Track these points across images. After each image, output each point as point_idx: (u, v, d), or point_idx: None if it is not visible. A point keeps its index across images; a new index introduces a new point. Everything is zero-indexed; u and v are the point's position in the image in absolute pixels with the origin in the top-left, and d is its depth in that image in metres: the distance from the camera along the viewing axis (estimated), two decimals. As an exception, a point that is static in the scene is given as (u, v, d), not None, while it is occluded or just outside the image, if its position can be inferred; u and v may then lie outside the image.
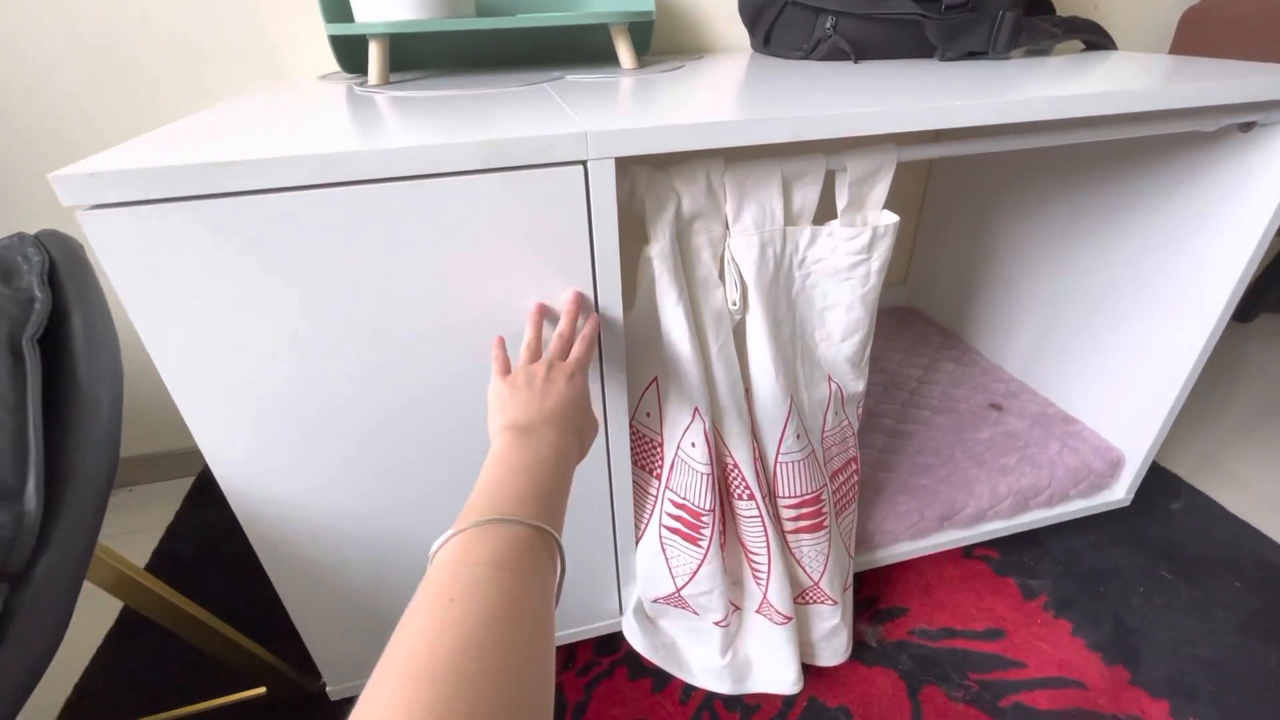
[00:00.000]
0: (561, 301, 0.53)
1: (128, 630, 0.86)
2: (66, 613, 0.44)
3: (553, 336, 0.51)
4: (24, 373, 0.47)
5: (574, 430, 0.44)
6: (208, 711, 0.75)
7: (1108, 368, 0.94)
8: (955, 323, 1.26)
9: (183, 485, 1.12)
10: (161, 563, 0.97)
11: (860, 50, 0.80)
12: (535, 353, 0.50)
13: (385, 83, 0.73)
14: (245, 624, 0.76)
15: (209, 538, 1.01)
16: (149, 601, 0.66)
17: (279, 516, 0.59)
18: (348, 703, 0.76)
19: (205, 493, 1.10)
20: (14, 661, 0.41)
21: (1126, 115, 0.61)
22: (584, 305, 0.54)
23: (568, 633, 0.77)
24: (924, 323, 1.29)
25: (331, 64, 0.89)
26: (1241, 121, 0.68)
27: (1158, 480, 1.07)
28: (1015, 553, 0.95)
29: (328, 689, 0.73)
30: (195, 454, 1.15)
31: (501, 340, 0.53)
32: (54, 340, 0.51)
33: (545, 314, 0.53)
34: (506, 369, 0.50)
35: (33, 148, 0.86)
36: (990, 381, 1.09)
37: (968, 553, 0.95)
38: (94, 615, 0.88)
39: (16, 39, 0.80)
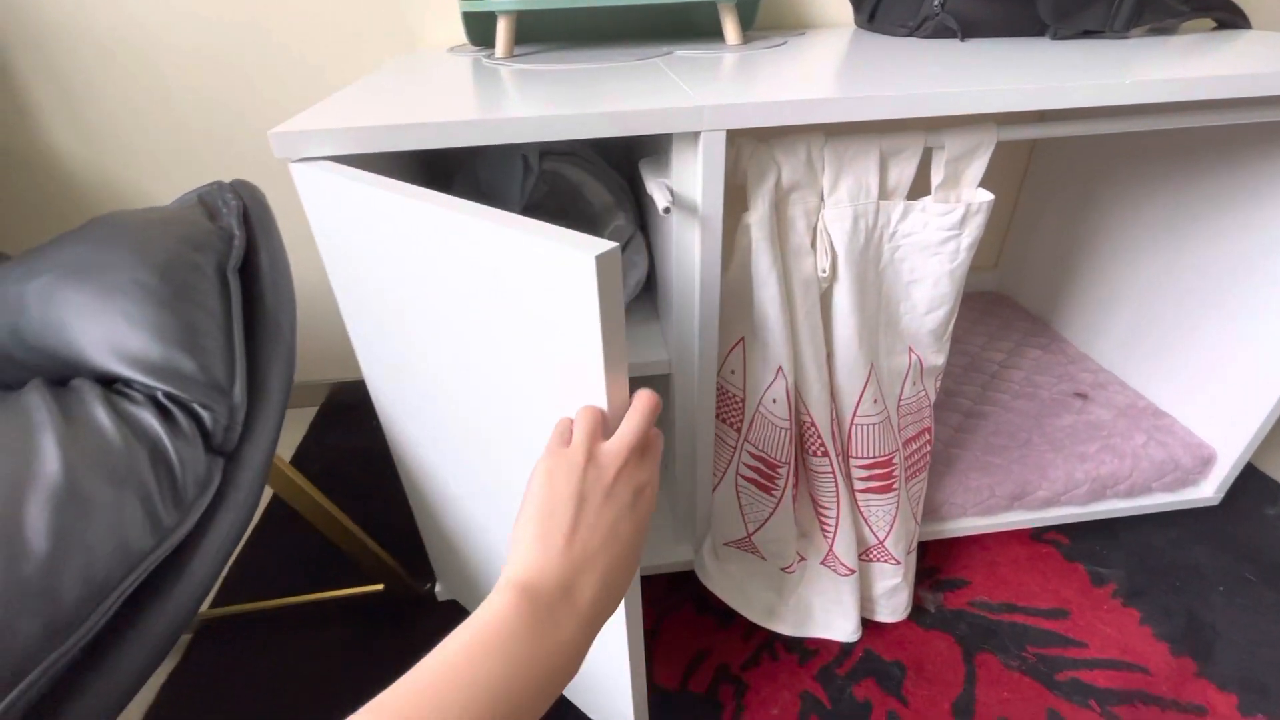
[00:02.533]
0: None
1: (274, 521, 1.02)
2: (261, 486, 0.55)
3: (623, 426, 0.37)
4: (229, 296, 0.58)
5: (603, 603, 0.32)
6: (335, 599, 0.87)
7: (1205, 363, 0.91)
8: (1045, 310, 1.23)
9: (309, 413, 1.27)
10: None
11: (968, 28, 0.81)
12: (596, 431, 0.37)
13: (510, 56, 0.80)
14: (366, 531, 0.88)
15: (333, 459, 1.15)
16: (296, 494, 0.78)
17: (418, 437, 0.68)
18: (452, 604, 0.87)
19: (329, 420, 1.25)
20: (226, 521, 0.52)
21: (1249, 100, 0.60)
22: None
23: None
24: (1011, 308, 1.27)
25: (456, 38, 0.97)
26: (1381, 108, 0.64)
27: (1254, 483, 1.03)
28: (1087, 540, 0.95)
29: (436, 590, 0.85)
30: (320, 385, 1.30)
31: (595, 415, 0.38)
32: (247, 271, 0.62)
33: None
34: (568, 439, 0.37)
35: (221, 114, 1.00)
36: (1077, 371, 1.08)
37: (1037, 535, 0.95)
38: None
39: (211, 37, 0.93)
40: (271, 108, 1.00)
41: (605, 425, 0.38)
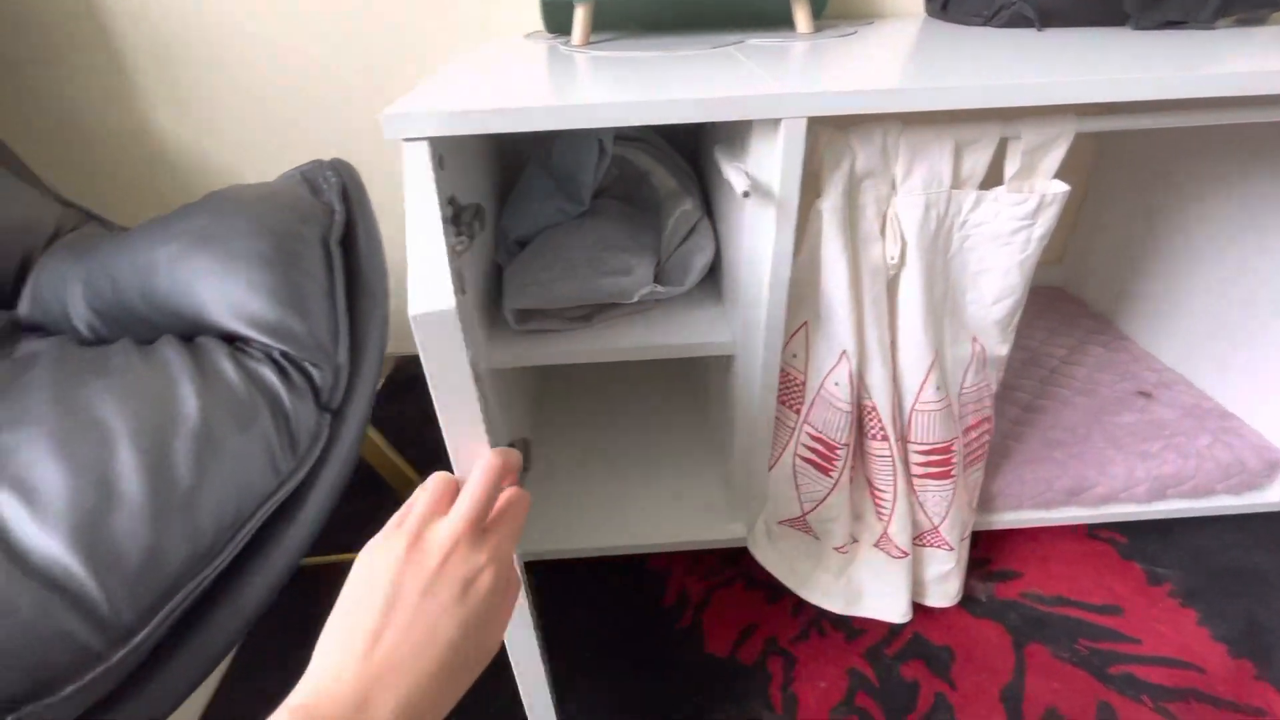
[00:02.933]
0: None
1: (354, 480, 1.08)
2: (360, 442, 0.60)
3: (458, 501, 0.34)
4: (332, 265, 0.63)
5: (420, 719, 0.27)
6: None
7: (1276, 365, 0.89)
8: (1109, 307, 1.21)
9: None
10: (361, 443, 1.19)
11: (1046, 17, 0.80)
12: (436, 509, 0.34)
13: (586, 43, 0.83)
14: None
15: (399, 427, 1.20)
16: (375, 454, 0.84)
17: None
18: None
19: (395, 391, 1.31)
20: (332, 471, 0.57)
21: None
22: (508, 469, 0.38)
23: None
24: (1075, 305, 1.25)
25: (529, 25, 1.01)
26: None
27: (1326, 492, 1.00)
28: (1145, 540, 0.94)
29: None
30: (387, 359, 1.36)
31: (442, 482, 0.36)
32: (346, 243, 0.67)
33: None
34: (405, 521, 0.33)
35: (308, 96, 1.06)
36: (1141, 370, 1.06)
37: (1092, 532, 0.95)
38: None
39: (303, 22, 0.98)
40: (359, 94, 1.05)
41: (452, 500, 0.34)
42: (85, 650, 0.38)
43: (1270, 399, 0.91)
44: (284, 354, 0.56)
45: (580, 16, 0.82)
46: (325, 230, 0.64)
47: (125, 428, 0.46)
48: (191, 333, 0.59)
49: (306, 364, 0.56)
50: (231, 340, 0.58)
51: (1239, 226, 0.93)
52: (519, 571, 0.35)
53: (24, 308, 0.68)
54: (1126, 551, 0.92)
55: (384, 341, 0.65)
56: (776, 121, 0.55)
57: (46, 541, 0.40)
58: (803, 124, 0.55)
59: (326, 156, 0.76)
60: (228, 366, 0.53)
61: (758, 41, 0.80)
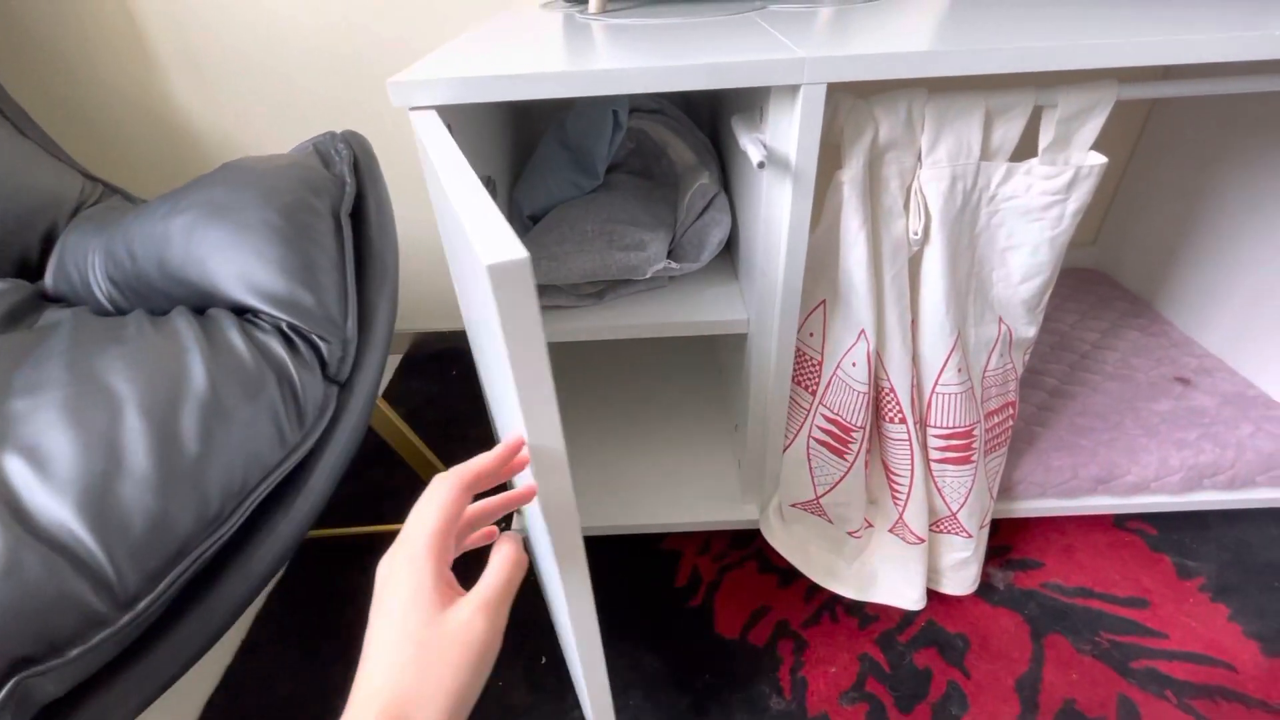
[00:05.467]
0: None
1: (366, 454, 1.09)
2: (368, 414, 0.60)
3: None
4: (343, 237, 0.62)
5: None
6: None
7: (1333, 351, 0.84)
8: (1147, 289, 1.15)
9: (394, 360, 1.35)
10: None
11: (1089, -21, 0.75)
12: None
13: (603, 10, 0.81)
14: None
15: (416, 404, 1.22)
16: (388, 428, 0.84)
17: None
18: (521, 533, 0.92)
19: (413, 367, 1.32)
20: (339, 443, 0.57)
21: None
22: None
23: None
24: (1109, 286, 1.20)
25: (548, -7, 0.98)
26: None
27: (1375, 487, 0.95)
28: (1176, 531, 0.90)
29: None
30: (404, 335, 1.37)
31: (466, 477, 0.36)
32: (357, 216, 0.66)
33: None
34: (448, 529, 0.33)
35: (324, 68, 1.05)
36: (1180, 355, 1.01)
37: (1120, 522, 0.92)
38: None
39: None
40: (377, 65, 1.05)
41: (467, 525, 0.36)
42: (91, 613, 0.39)
43: (1319, 388, 0.86)
44: (292, 326, 0.56)
45: (597, -17, 0.79)
46: (336, 202, 0.64)
47: (135, 396, 0.47)
48: (204, 304, 0.59)
49: (314, 336, 0.56)
50: (242, 312, 0.58)
51: (1292, 205, 0.87)
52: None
53: (49, 279, 0.69)
54: (1156, 544, 0.89)
55: (393, 314, 0.65)
56: (795, 88, 0.53)
57: (54, 506, 0.40)
58: (821, 90, 0.52)
59: (342, 128, 0.76)
60: (237, 338, 0.53)
61: (779, 8, 0.77)
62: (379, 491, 1.03)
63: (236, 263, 0.57)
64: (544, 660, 0.79)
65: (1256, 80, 0.58)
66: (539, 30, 0.73)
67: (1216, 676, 0.74)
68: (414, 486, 1.03)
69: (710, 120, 0.95)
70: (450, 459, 1.02)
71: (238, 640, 0.84)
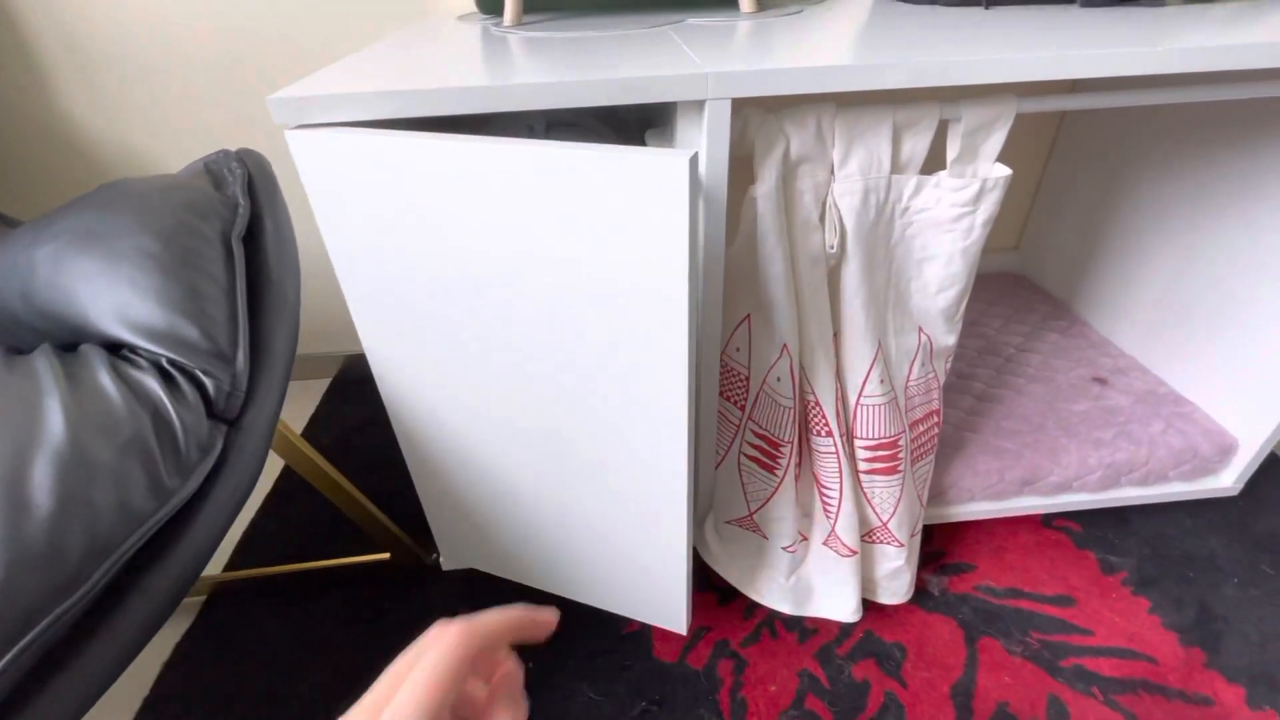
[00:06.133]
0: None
1: (288, 490, 1.04)
2: (263, 454, 0.56)
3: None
4: (234, 264, 0.58)
5: None
6: (343, 566, 0.89)
7: (1232, 350, 0.88)
8: (1067, 293, 1.20)
9: (321, 385, 1.29)
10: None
11: (993, -5, 0.77)
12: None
13: (519, 23, 0.79)
14: (374, 502, 0.89)
15: (344, 431, 1.16)
16: (305, 464, 0.79)
17: (422, 413, 0.69)
18: (457, 573, 0.88)
19: (341, 392, 1.26)
20: (228, 486, 0.52)
21: (1285, 70, 0.57)
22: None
23: (642, 599, 0.84)
24: (1032, 291, 1.24)
25: (465, 5, 0.96)
26: None
27: (1275, 474, 1.00)
28: (1099, 528, 0.93)
29: (440, 561, 0.86)
30: (332, 358, 1.31)
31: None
32: (252, 240, 0.62)
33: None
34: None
35: (232, 82, 1.00)
36: (1097, 355, 1.05)
37: (1047, 522, 0.94)
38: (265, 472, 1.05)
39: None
40: (283, 75, 1.00)
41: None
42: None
43: (1223, 384, 0.90)
44: (173, 361, 0.52)
45: (511, -5, 0.77)
46: (227, 225, 0.60)
47: (-21, 448, 0.42)
48: (75, 340, 0.54)
49: (198, 371, 0.52)
50: (117, 348, 0.53)
51: (1194, 212, 0.92)
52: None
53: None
54: (1081, 541, 0.92)
55: (293, 344, 0.61)
56: (700, 104, 0.52)
57: None
58: (726, 105, 0.51)
59: (253, 144, 0.72)
60: (105, 377, 0.49)
61: (698, 21, 0.76)
62: (301, 528, 0.98)
63: (108, 294, 0.52)
64: None
65: (1145, 93, 0.61)
66: (451, 43, 0.70)
67: (1139, 670, 0.76)
68: (338, 522, 0.99)
69: (640, 134, 0.94)
70: (381, 487, 0.98)
71: (140, 695, 0.77)
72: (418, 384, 0.67)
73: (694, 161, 0.43)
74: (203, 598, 0.88)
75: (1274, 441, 0.85)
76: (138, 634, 0.45)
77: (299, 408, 1.23)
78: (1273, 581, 0.86)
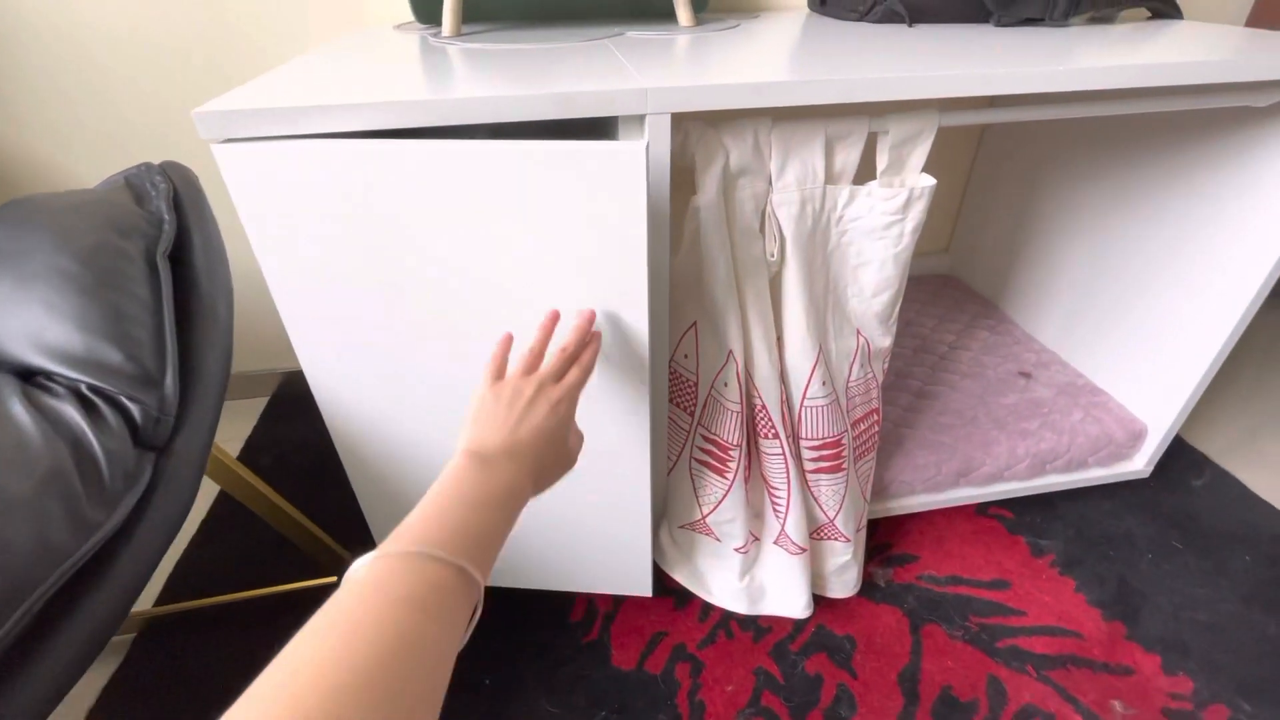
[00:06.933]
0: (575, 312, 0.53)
1: (224, 515, 0.99)
2: (196, 481, 0.53)
3: (555, 350, 0.50)
4: (159, 283, 0.56)
5: (534, 469, 0.44)
6: (289, 592, 0.86)
7: (1139, 342, 0.95)
8: (994, 292, 1.27)
9: (258, 404, 1.24)
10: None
11: (915, 13, 0.82)
12: (534, 362, 0.50)
13: (458, 34, 0.78)
14: (317, 523, 0.87)
15: (283, 451, 1.12)
16: (242, 487, 0.76)
17: (363, 429, 0.67)
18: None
19: (279, 410, 1.21)
20: (158, 517, 0.50)
21: (1180, 87, 0.62)
22: (590, 325, 0.53)
23: (606, 578, 0.84)
24: (963, 291, 1.31)
25: (403, 14, 0.94)
26: (1296, 98, 0.68)
27: (1183, 456, 1.08)
28: (1029, 514, 0.99)
29: (390, 581, 0.84)
30: (270, 375, 1.26)
31: (508, 340, 0.52)
32: (179, 257, 0.59)
33: (556, 323, 0.53)
34: (500, 374, 0.49)
35: (157, 94, 0.95)
36: (1022, 351, 1.12)
37: (982, 510, 0.99)
38: (199, 498, 1.00)
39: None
40: (212, 86, 0.96)
41: (526, 359, 0.50)
42: None
43: (1132, 373, 0.97)
44: (94, 388, 0.49)
45: (449, 6, 0.77)
46: (151, 243, 0.57)
47: (-128, 489, 0.39)
48: (-18, 367, 0.51)
49: (122, 398, 0.49)
50: (31, 375, 0.50)
51: (1102, 213, 0.99)
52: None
53: None
54: (1013, 527, 0.97)
55: (227, 365, 0.59)
56: (640, 118, 0.53)
57: None
58: (666, 120, 0.52)
59: (190, 159, 0.68)
60: (18, 407, 0.46)
61: (636, 34, 0.78)
62: (241, 555, 0.93)
63: (21, 318, 0.49)
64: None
65: (1054, 109, 0.65)
66: (388, 54, 0.69)
67: (1068, 646, 0.81)
68: (280, 546, 0.94)
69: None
70: (325, 506, 0.94)
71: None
72: (361, 399, 0.65)
73: (648, 150, 0.47)
74: (133, 635, 0.83)
75: (1179, 425, 0.92)
76: (60, 679, 0.43)
77: (235, 428, 1.18)
78: (1182, 555, 0.93)
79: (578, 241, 0.51)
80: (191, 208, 0.62)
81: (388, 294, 0.57)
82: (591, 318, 0.53)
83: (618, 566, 0.79)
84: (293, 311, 0.58)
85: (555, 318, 0.53)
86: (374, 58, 0.67)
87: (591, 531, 0.75)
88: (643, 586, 0.81)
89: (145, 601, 0.87)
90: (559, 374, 0.49)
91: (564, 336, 0.51)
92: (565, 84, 0.52)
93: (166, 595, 0.87)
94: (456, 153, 0.48)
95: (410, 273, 0.55)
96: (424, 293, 0.56)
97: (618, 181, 0.48)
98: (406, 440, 0.68)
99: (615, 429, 0.65)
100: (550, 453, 0.46)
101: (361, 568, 0.32)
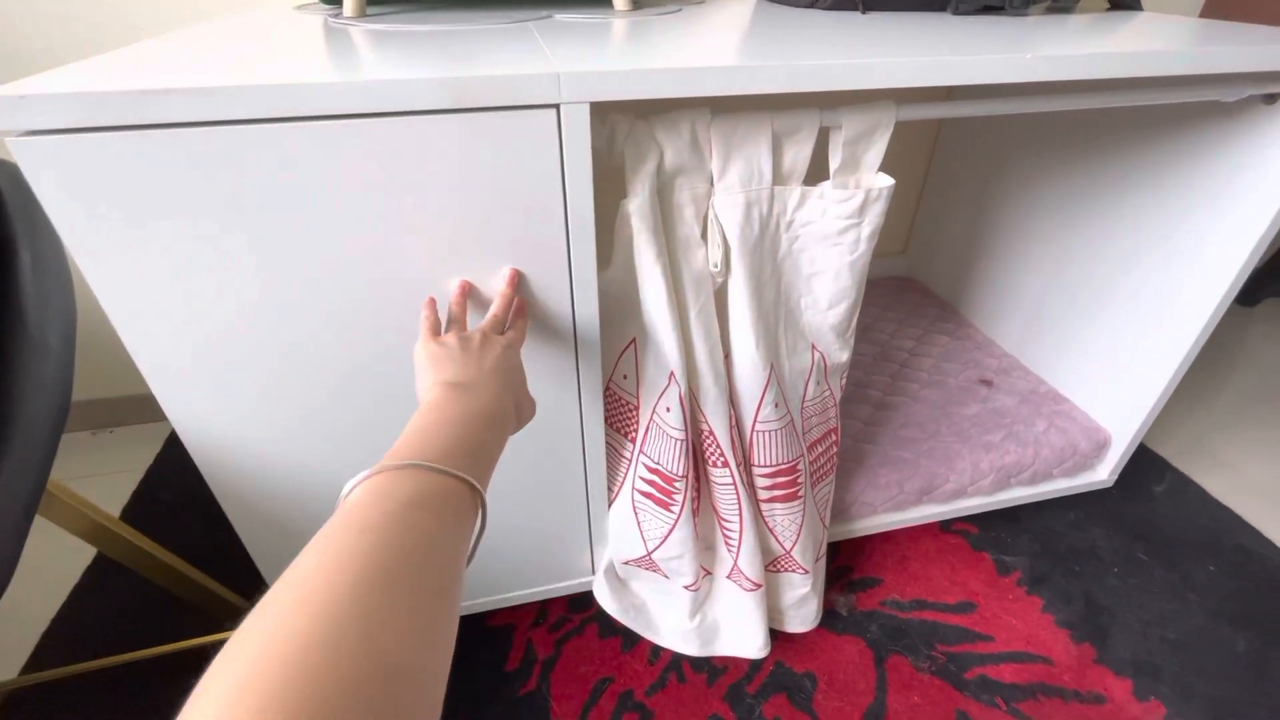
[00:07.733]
0: (500, 279, 0.51)
1: (103, 574, 0.87)
2: (15, 550, 0.44)
3: (486, 316, 0.49)
4: (-35, 308, 0.45)
5: (513, 395, 0.43)
6: (182, 651, 0.75)
7: (1102, 348, 0.92)
8: (953, 295, 1.23)
9: (165, 428, 1.11)
10: (140, 504, 0.97)
11: (869, 1, 0.76)
12: (462, 328, 0.48)
13: (362, 15, 0.69)
14: (223, 565, 0.76)
15: (188, 481, 1.00)
16: (120, 547, 0.66)
17: (240, 466, 0.58)
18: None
19: (176, 453, 1.09)
20: (-45, 602, 0.40)
21: (1143, 80, 0.57)
22: (514, 288, 0.51)
23: (540, 589, 0.77)
24: (921, 294, 1.27)
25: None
26: (1266, 93, 0.64)
27: (1143, 462, 1.06)
28: (994, 529, 0.94)
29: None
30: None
31: (432, 301, 0.50)
32: (1, 276, 0.49)
33: (471, 294, 0.51)
34: (435, 330, 0.47)
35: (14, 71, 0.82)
36: (983, 357, 1.08)
37: (946, 527, 0.94)
38: (72, 559, 0.88)
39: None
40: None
41: (454, 327, 0.48)
42: None
43: (1096, 381, 0.94)
44: None
45: (351, -18, 0.67)
46: (-42, 259, 0.47)
47: None
48: None
49: (-100, 456, 0.39)
50: None
51: (1064, 215, 0.95)
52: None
53: None
54: (978, 543, 0.93)
55: (63, 401, 0.49)
56: (554, 108, 0.45)
57: None
58: (584, 110, 0.45)
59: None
60: None
61: (566, 18, 0.70)
62: (120, 614, 0.82)
63: None
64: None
65: (1014, 102, 0.60)
66: (280, 34, 0.59)
67: (1038, 673, 0.77)
68: (166, 603, 0.82)
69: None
70: (223, 560, 0.82)
71: None
72: (242, 440, 0.56)
73: (559, 112, 0.43)
74: (-8, 710, 0.72)
75: (1142, 433, 0.89)
76: None
77: (137, 457, 1.06)
78: (1147, 568, 0.90)
79: (488, 217, 0.47)
80: (20, 217, 0.51)
81: (258, 307, 0.48)
82: (515, 279, 0.51)
83: (557, 559, 0.73)
84: (140, 337, 0.48)
85: (466, 290, 0.50)
86: (250, 38, 0.57)
87: (529, 515, 0.69)
88: (583, 568, 0.76)
89: (9, 670, 0.75)
90: (498, 330, 0.48)
91: (491, 306, 0.50)
92: (465, 68, 0.44)
93: (33, 664, 0.76)
94: (326, 133, 0.40)
95: (290, 285, 0.47)
96: (306, 309, 0.48)
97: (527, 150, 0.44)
98: (289, 466, 0.59)
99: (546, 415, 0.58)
100: (519, 386, 0.45)
101: (355, 486, 0.30)
